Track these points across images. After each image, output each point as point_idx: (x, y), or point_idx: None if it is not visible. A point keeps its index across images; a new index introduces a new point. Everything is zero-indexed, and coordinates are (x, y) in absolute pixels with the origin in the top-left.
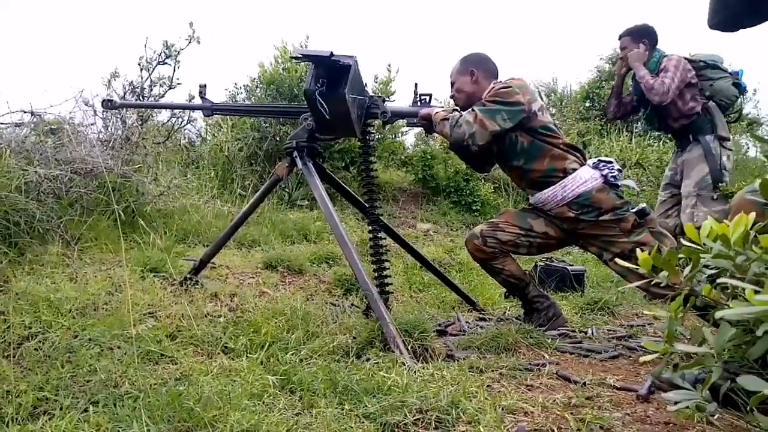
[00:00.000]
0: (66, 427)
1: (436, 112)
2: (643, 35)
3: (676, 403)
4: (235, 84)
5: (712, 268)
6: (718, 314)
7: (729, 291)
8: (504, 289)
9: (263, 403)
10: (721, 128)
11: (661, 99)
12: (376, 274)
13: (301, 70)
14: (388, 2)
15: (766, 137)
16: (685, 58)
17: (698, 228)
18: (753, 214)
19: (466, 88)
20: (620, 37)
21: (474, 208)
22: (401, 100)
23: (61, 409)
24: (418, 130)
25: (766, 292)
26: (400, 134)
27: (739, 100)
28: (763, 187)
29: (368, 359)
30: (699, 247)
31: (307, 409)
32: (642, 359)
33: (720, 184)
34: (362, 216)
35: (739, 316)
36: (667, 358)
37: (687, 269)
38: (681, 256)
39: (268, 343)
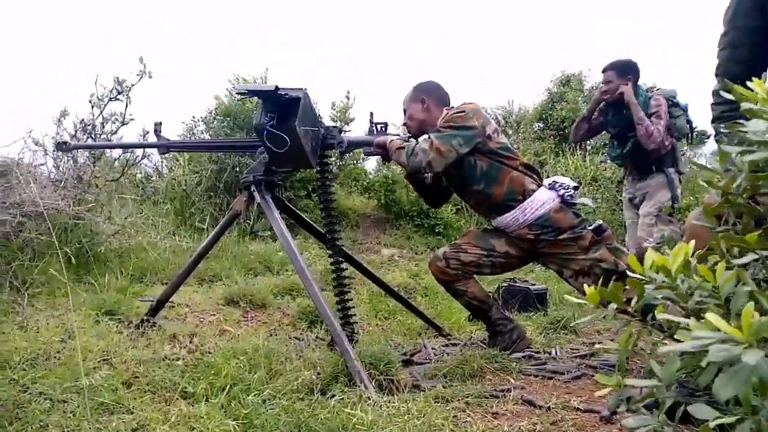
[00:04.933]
0: None
1: (391, 141)
2: (627, 71)
3: (635, 429)
4: (193, 117)
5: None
6: (662, 350)
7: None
8: (469, 313)
9: None
10: (680, 163)
11: (656, 146)
12: (339, 306)
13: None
14: (346, 31)
15: (708, 153)
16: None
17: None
18: (693, 242)
19: (418, 115)
20: (604, 71)
21: (437, 230)
22: (360, 127)
23: None
24: (380, 156)
25: (706, 327)
26: (361, 160)
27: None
28: (706, 211)
29: (333, 395)
30: (643, 278)
31: None
32: (597, 394)
33: (667, 203)
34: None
35: (687, 348)
36: (620, 391)
37: (633, 301)
38: (627, 287)
39: (228, 386)
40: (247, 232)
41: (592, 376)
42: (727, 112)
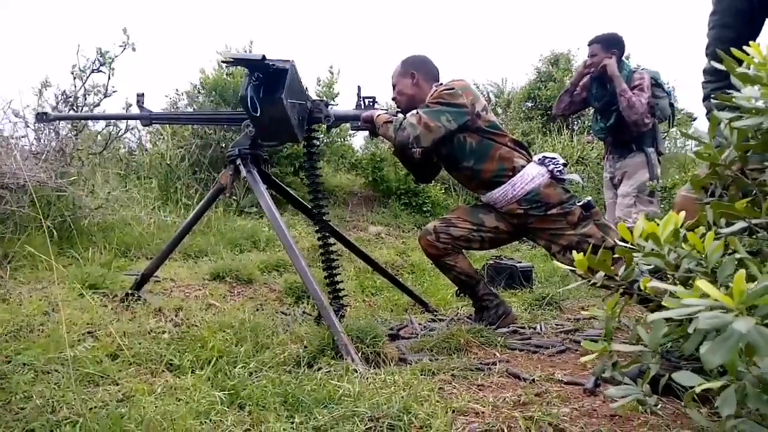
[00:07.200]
0: None
1: (379, 115)
2: (613, 45)
3: (618, 399)
4: (177, 90)
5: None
6: (650, 318)
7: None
8: (455, 289)
9: (210, 421)
10: (660, 144)
11: (638, 118)
12: (327, 281)
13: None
14: (332, 6)
15: (695, 132)
16: None
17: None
18: (683, 213)
19: (408, 90)
20: (590, 44)
21: (425, 209)
22: (345, 102)
23: None
24: (367, 132)
25: (695, 294)
26: (348, 137)
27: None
28: (694, 183)
29: (320, 368)
30: (632, 247)
31: (257, 424)
32: (582, 359)
33: (651, 182)
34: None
35: (675, 315)
36: (606, 356)
37: (621, 269)
38: (616, 255)
39: (215, 358)
40: (234, 208)
41: (576, 350)
42: (718, 90)
